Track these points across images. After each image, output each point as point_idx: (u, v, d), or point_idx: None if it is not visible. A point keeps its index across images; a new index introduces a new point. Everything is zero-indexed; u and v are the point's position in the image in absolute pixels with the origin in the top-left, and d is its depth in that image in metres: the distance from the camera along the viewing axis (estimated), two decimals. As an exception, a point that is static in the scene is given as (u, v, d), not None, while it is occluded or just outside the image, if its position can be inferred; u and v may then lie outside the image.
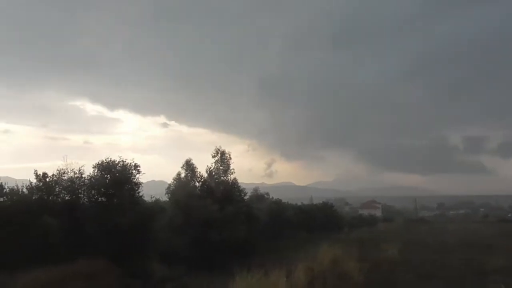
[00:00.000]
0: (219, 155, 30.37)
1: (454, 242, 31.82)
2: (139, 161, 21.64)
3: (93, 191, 20.83)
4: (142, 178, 21.93)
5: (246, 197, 33.27)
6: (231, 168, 30.47)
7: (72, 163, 20.48)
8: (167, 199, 29.85)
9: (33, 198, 18.95)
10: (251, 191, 43.97)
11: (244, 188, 31.52)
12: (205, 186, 29.09)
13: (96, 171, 20.90)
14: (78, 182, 20.45)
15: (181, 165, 30.39)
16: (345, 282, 13.81)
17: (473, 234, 42.10)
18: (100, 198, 20.94)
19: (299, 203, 57.01)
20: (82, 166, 20.75)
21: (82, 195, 20.71)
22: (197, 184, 29.68)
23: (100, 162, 21.00)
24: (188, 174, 29.96)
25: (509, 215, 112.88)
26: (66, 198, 20.09)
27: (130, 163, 21.46)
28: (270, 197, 48.76)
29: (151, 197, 26.92)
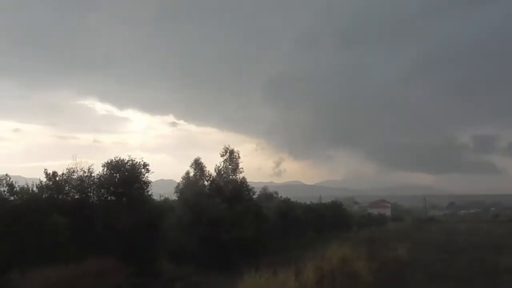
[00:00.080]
0: (227, 154, 30.41)
1: (464, 242, 31.62)
2: (148, 160, 21.69)
3: (102, 190, 20.89)
4: (151, 177, 21.99)
5: (254, 196, 33.26)
6: (239, 167, 30.51)
7: (81, 162, 20.56)
8: (176, 198, 29.92)
9: (43, 197, 19.01)
10: (260, 190, 44.00)
11: (252, 187, 31.53)
12: (214, 185, 29.13)
13: (105, 170, 20.97)
14: (87, 181, 20.52)
15: (189, 164, 30.48)
16: (354, 281, 13.75)
17: (483, 234, 41.81)
18: (109, 197, 21.00)
19: (308, 202, 56.91)
20: (91, 165, 20.83)
21: (91, 194, 20.78)
22: (206, 183, 29.74)
23: (109, 161, 21.06)
24: (197, 173, 30.02)
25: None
26: (76, 197, 20.16)
27: (139, 162, 21.52)
28: (279, 196, 48.77)
29: (160, 196, 26.99)
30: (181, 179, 30.77)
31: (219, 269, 21.25)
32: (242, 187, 29.95)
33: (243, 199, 29.18)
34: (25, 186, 18.61)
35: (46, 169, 19.66)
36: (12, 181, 17.94)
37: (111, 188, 20.83)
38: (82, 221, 18.69)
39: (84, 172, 20.49)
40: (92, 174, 20.69)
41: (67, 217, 17.93)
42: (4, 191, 17.65)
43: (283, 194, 51.02)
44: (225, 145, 30.73)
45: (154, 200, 23.76)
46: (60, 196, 19.65)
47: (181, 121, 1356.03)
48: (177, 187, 30.73)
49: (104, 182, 20.73)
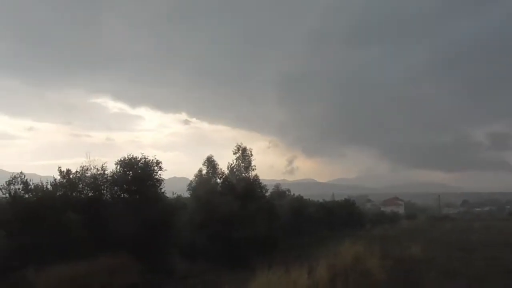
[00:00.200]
0: (240, 151, 30.42)
1: (479, 240, 31.31)
2: (161, 158, 21.75)
3: (115, 188, 21.00)
4: (164, 174, 22.04)
5: (267, 194, 33.26)
6: (252, 164, 30.51)
7: (95, 159, 20.68)
8: (189, 196, 29.98)
9: (57, 194, 19.16)
10: (273, 187, 43.94)
11: (265, 185, 31.51)
12: (227, 183, 29.13)
13: (118, 167, 21.06)
14: (101, 179, 20.62)
15: (202, 161, 30.54)
16: (368, 279, 13.67)
17: (499, 232, 41.39)
18: (122, 195, 21.10)
19: (320, 200, 56.80)
20: (104, 163, 20.93)
21: (104, 191, 20.89)
22: (218, 180, 29.77)
23: (122, 159, 21.15)
24: (210, 171, 30.07)
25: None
26: (89, 194, 20.28)
27: (152, 160, 21.58)
28: (292, 193, 48.70)
29: (173, 194, 27.04)
30: (194, 177, 30.84)
31: (231, 267, 21.26)
32: (254, 185, 29.94)
33: (255, 196, 29.16)
34: (40, 184, 18.74)
35: (60, 167, 19.82)
36: (26, 179, 18.09)
37: (124, 185, 20.93)
38: (95, 219, 18.80)
39: (97, 170, 20.60)
40: (105, 172, 20.79)
41: (80, 214, 18.06)
42: (18, 189, 17.80)
43: (295, 192, 50.94)
44: (237, 143, 30.76)
45: (167, 197, 23.81)
46: (73, 194, 19.79)
47: (194, 119, 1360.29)
48: (189, 184, 30.80)
49: (117, 179, 20.82)
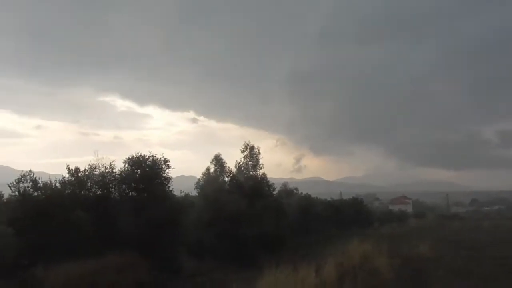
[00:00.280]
0: (248, 150, 30.46)
1: (488, 239, 31.09)
2: (169, 156, 21.87)
3: (123, 186, 21.09)
4: (171, 173, 22.14)
5: (275, 192, 33.29)
6: (260, 163, 30.53)
7: (103, 158, 20.80)
8: (197, 194, 30.05)
9: (66, 192, 19.27)
10: (280, 186, 43.94)
11: (273, 183, 31.53)
12: (234, 181, 29.18)
13: (126, 166, 21.15)
14: (109, 177, 20.73)
15: (210, 160, 30.61)
16: (376, 278, 13.61)
17: (508, 231, 41.05)
18: (130, 193, 21.20)
19: (328, 198, 56.68)
20: (112, 161, 21.06)
21: (113, 189, 21.00)
22: (226, 179, 29.85)
23: (130, 157, 21.25)
24: (217, 169, 30.15)
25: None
26: (98, 192, 20.39)
27: (160, 158, 21.67)
28: (299, 192, 48.70)
29: (181, 192, 27.15)
30: (202, 175, 30.96)
31: (239, 265, 21.26)
32: (262, 183, 29.96)
33: (263, 195, 29.18)
34: (49, 182, 18.86)
35: (68, 165, 19.93)
36: (35, 177, 18.22)
37: (132, 184, 21.02)
38: (103, 217, 18.90)
39: (106, 168, 20.73)
40: (114, 170, 20.90)
41: (89, 212, 18.16)
42: (28, 187, 17.95)
43: (303, 190, 50.94)
44: (245, 141, 30.80)
45: (175, 195, 23.89)
46: (82, 192, 19.91)
47: (202, 117, 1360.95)
48: (197, 183, 30.92)
49: (125, 178, 20.91)
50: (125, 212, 19.47)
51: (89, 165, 20.36)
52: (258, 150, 30.78)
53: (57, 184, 19.23)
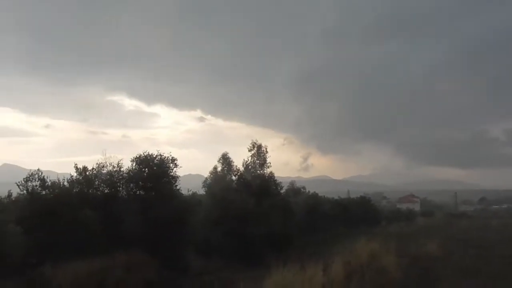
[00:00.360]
0: (255, 148, 30.37)
1: (497, 238, 30.90)
2: (176, 155, 21.91)
3: (131, 185, 21.15)
4: (179, 171, 22.21)
5: (282, 191, 33.19)
6: (267, 162, 30.44)
7: (111, 157, 20.86)
8: (204, 193, 30.05)
9: (74, 191, 19.34)
10: (288, 184, 43.87)
11: (280, 182, 31.45)
12: (242, 180, 29.13)
13: (134, 164, 21.22)
14: (116, 176, 20.79)
15: (217, 159, 30.57)
16: (383, 277, 13.56)
17: (516, 230, 40.82)
18: (138, 192, 21.25)
19: (335, 197, 56.58)
20: (120, 160, 21.13)
21: (120, 188, 21.08)
22: (233, 177, 29.78)
23: (138, 156, 21.30)
24: (225, 168, 30.09)
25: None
26: (105, 191, 20.46)
27: (167, 157, 21.72)
28: (307, 191, 48.62)
29: (188, 191, 27.17)
30: (209, 174, 30.92)
31: (246, 264, 21.26)
32: (269, 182, 29.90)
33: (270, 194, 29.13)
34: (57, 180, 18.95)
35: (76, 164, 20.01)
36: (44, 176, 18.30)
37: (140, 182, 21.08)
38: (111, 215, 18.96)
39: (114, 167, 20.81)
40: (121, 169, 20.99)
41: (96, 211, 18.21)
42: (36, 185, 18.03)
43: (310, 189, 50.88)
44: (252, 140, 30.71)
45: (182, 194, 23.92)
46: (90, 191, 19.98)
47: (209, 116, 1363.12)
48: (204, 181, 30.88)
49: (133, 176, 20.97)
50: (133, 211, 19.54)
51: (97, 164, 20.47)
52: (266, 148, 30.71)
53: (65, 183, 19.32)
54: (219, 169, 30.32)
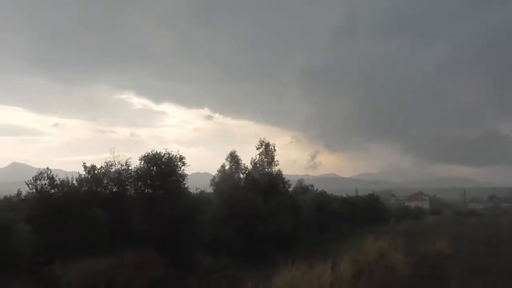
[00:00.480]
0: (263, 147, 30.39)
1: (507, 236, 30.71)
2: (184, 153, 21.89)
3: (139, 183, 21.19)
4: (187, 170, 22.19)
5: (290, 189, 33.21)
6: (275, 160, 30.44)
7: (119, 155, 20.89)
8: (212, 191, 30.08)
9: (83, 189, 19.40)
10: (296, 183, 43.93)
11: (288, 180, 31.46)
12: (250, 178, 29.14)
13: (142, 163, 21.25)
14: (125, 174, 20.82)
15: (225, 157, 30.62)
16: (392, 275, 13.52)
17: (526, 227, 40.53)
18: (146, 190, 21.28)
19: (344, 195, 56.42)
20: (128, 159, 21.14)
21: (129, 186, 21.11)
22: (241, 176, 29.80)
23: (146, 155, 21.34)
24: (233, 166, 30.13)
25: None
26: (114, 189, 20.50)
27: (176, 155, 21.72)
28: (315, 189, 48.56)
29: (196, 189, 27.17)
30: (217, 172, 30.97)
31: (254, 262, 21.26)
32: (277, 180, 29.90)
33: (278, 192, 29.12)
34: (65, 179, 19.02)
35: (84, 163, 20.07)
36: (53, 175, 18.38)
37: (148, 181, 21.12)
38: (119, 214, 19.01)
39: (122, 165, 20.82)
40: (130, 167, 21.00)
41: (105, 209, 18.27)
42: (45, 184, 18.10)
43: (318, 187, 50.79)
44: (260, 138, 30.73)
45: (191, 193, 23.94)
46: (98, 189, 20.02)
47: (217, 114, 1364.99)
48: (212, 180, 30.95)
49: (141, 175, 21.01)
50: (141, 209, 19.59)
51: (105, 162, 20.50)
52: (274, 147, 30.71)
53: (74, 182, 19.38)
54: (227, 167, 30.38)
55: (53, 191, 18.25)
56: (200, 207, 23.12)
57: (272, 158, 30.34)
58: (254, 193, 26.20)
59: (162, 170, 21.15)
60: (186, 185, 22.32)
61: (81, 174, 19.79)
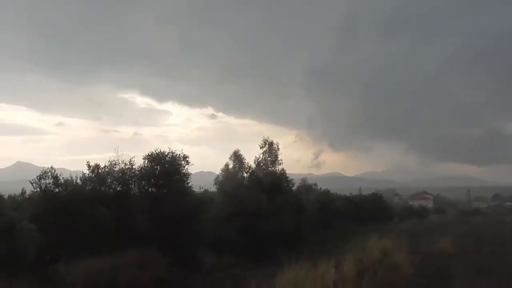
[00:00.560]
0: (267, 146, 30.40)
1: (510, 235, 30.62)
2: (188, 152, 21.93)
3: (143, 182, 21.22)
4: (191, 169, 22.22)
5: (294, 188, 33.18)
6: (279, 158, 30.45)
7: (123, 154, 20.92)
8: (216, 190, 30.11)
9: (87, 188, 19.44)
10: (299, 181, 43.89)
11: (292, 179, 31.42)
12: (253, 177, 29.13)
13: (146, 162, 21.28)
14: (129, 173, 20.86)
15: (229, 156, 30.63)
16: (396, 274, 13.50)
17: (531, 226, 40.39)
18: (150, 189, 21.32)
19: (347, 194, 56.41)
20: (132, 158, 21.16)
21: (132, 185, 21.14)
22: (245, 175, 29.81)
23: (150, 154, 21.38)
24: (236, 165, 30.15)
25: None
26: (118, 188, 20.53)
27: (179, 154, 21.76)
28: (318, 187, 48.56)
29: (200, 188, 27.22)
30: (221, 171, 31.02)
31: (258, 261, 21.26)
32: (281, 179, 29.88)
33: (282, 191, 29.10)
34: (70, 178, 19.05)
35: (88, 162, 20.10)
36: (57, 174, 18.42)
37: (152, 180, 21.16)
38: (123, 213, 19.03)
39: (126, 164, 20.85)
40: (133, 167, 21.04)
41: (109, 208, 18.30)
42: (49, 183, 18.14)
43: (322, 186, 50.82)
44: (264, 137, 30.74)
45: (194, 192, 23.97)
46: (102, 188, 20.05)
47: (220, 113, 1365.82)
48: (216, 179, 30.98)
49: (145, 174, 21.05)
50: (145, 208, 19.63)
51: (109, 161, 20.54)
52: (277, 145, 30.73)
53: (78, 181, 19.42)
54: (230, 166, 30.42)
55: (57, 190, 18.30)
56: (204, 206, 23.14)
57: (275, 157, 30.36)
58: (257, 192, 26.19)
59: (166, 169, 21.18)
60: (189, 184, 22.35)
61: (85, 173, 19.82)
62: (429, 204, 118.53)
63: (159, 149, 21.63)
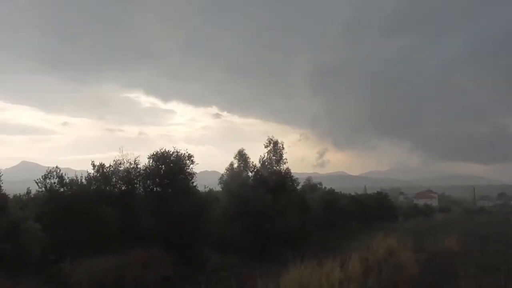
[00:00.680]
0: (271, 145, 30.40)
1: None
2: (193, 152, 21.94)
3: (148, 181, 21.25)
4: (195, 168, 22.23)
5: (299, 187, 33.19)
6: (283, 157, 30.44)
7: (127, 154, 20.96)
8: (220, 189, 30.11)
9: (91, 188, 19.48)
10: (304, 180, 43.91)
11: (296, 178, 31.43)
12: (258, 176, 29.13)
13: (151, 161, 21.31)
14: (133, 173, 20.90)
15: (233, 155, 30.62)
16: (401, 273, 13.47)
17: (537, 225, 40.22)
18: (155, 188, 21.34)
19: (352, 193, 56.35)
20: (137, 157, 21.20)
21: (137, 185, 21.17)
22: (250, 174, 29.80)
23: (154, 153, 21.39)
24: (241, 164, 30.14)
25: None
26: (123, 188, 20.57)
27: (184, 154, 21.76)
28: (323, 186, 48.53)
29: (205, 187, 27.24)
30: (225, 170, 31.01)
31: (263, 260, 21.24)
32: (286, 178, 29.87)
33: (287, 190, 29.09)
34: (75, 178, 19.09)
35: (93, 161, 20.13)
36: (62, 173, 18.46)
37: (157, 179, 21.17)
38: (128, 212, 19.06)
39: (131, 164, 20.89)
40: (138, 166, 21.07)
41: (114, 208, 18.33)
42: (54, 183, 18.19)
43: (327, 185, 50.78)
44: (269, 136, 30.75)
45: (199, 191, 23.97)
46: (107, 188, 20.09)
47: (225, 113, 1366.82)
48: (221, 178, 30.97)
49: (149, 173, 21.07)
50: (150, 208, 19.65)
51: (114, 161, 20.58)
52: (282, 144, 30.73)
53: (83, 180, 19.45)
54: (235, 165, 30.40)
55: (62, 189, 18.34)
56: (209, 205, 23.14)
57: (280, 156, 30.35)
58: (262, 191, 26.19)
59: (170, 168, 21.19)
60: (194, 184, 22.34)
61: (90, 173, 19.86)
62: (434, 202, 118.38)
63: (164, 148, 21.68)
